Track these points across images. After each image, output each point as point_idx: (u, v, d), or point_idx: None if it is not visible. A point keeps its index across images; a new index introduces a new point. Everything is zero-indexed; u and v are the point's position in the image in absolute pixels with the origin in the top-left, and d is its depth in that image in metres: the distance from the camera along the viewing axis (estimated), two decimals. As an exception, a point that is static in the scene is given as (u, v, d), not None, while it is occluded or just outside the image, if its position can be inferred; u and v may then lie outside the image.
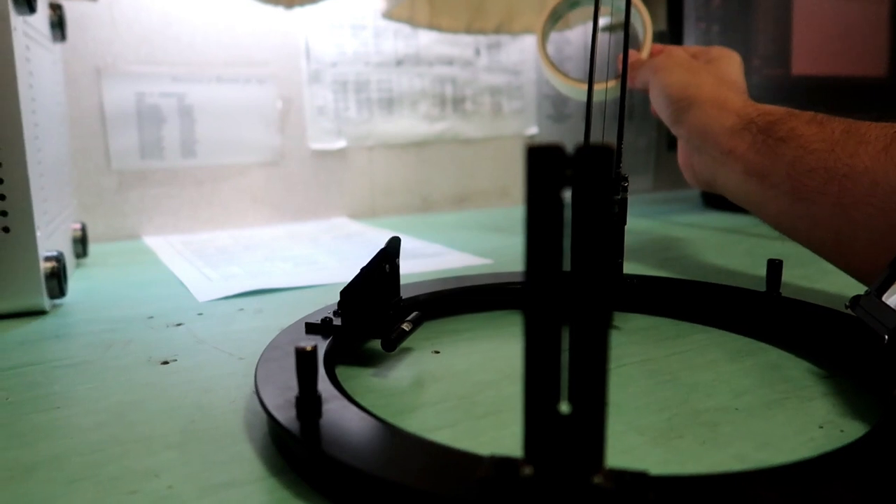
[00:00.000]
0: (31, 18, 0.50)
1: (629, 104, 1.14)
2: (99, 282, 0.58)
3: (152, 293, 0.53)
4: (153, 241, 0.77)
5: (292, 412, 0.26)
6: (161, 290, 0.54)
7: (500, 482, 0.19)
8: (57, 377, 0.36)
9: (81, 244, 0.64)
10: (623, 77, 0.44)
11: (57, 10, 0.60)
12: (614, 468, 0.19)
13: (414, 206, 0.99)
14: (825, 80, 0.94)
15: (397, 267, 0.36)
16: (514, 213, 0.98)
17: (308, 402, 0.25)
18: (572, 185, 0.18)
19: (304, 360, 0.25)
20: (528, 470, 0.19)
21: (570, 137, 1.09)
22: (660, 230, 0.79)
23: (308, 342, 0.26)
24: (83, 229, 0.64)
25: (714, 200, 0.99)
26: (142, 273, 0.61)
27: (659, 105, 0.54)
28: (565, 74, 0.62)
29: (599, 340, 0.18)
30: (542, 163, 0.18)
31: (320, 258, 0.66)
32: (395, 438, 0.24)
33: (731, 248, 0.67)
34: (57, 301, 0.50)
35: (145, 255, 0.70)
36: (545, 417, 0.19)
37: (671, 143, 0.95)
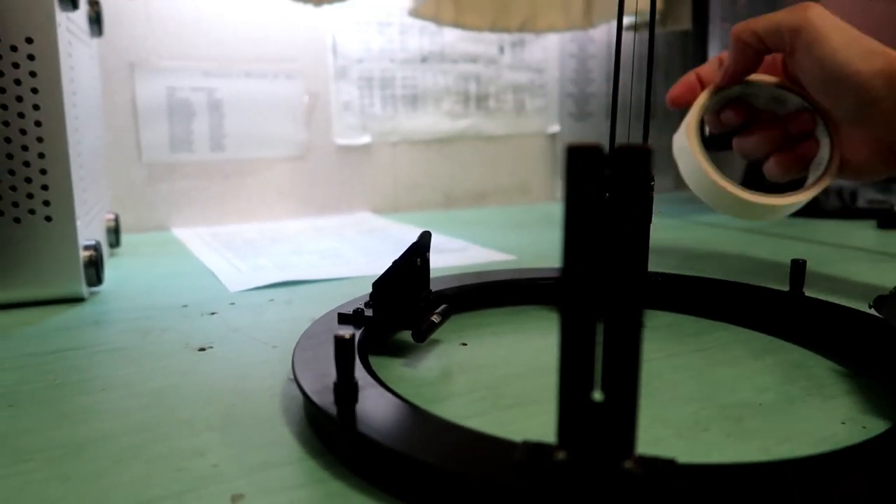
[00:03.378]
0: (73, 14, 0.51)
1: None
2: (132, 271, 0.59)
3: (184, 283, 0.55)
4: (182, 233, 0.79)
5: (330, 397, 0.27)
6: (193, 280, 0.56)
7: (534, 466, 0.20)
8: (99, 361, 0.37)
9: (115, 234, 0.65)
10: (648, 75, 0.45)
11: (95, 6, 0.61)
12: (644, 455, 0.20)
13: (436, 202, 1.00)
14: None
15: (427, 261, 0.37)
16: (535, 210, 0.99)
17: (346, 387, 0.26)
18: (610, 185, 0.18)
19: (343, 348, 0.26)
20: (561, 455, 0.20)
21: (592, 136, 1.09)
22: (682, 230, 0.79)
23: (348, 331, 0.27)
24: (116, 220, 0.66)
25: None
26: (173, 263, 0.63)
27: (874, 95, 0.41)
28: (734, 183, 0.46)
29: (633, 330, 0.19)
30: (581, 162, 0.18)
31: (346, 252, 0.67)
32: (430, 424, 0.25)
33: (754, 249, 0.67)
34: (94, 289, 0.51)
35: (175, 246, 0.71)
36: (579, 405, 0.19)
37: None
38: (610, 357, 0.19)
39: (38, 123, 0.45)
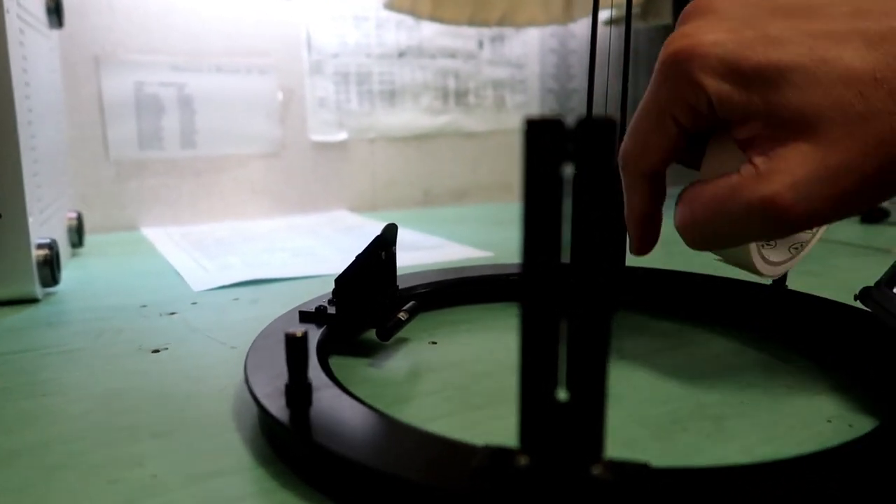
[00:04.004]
0: (26, 2, 0.49)
1: (632, 99, 1.13)
2: (93, 271, 0.57)
3: (147, 283, 0.53)
4: (151, 232, 0.76)
5: (282, 401, 0.25)
6: (156, 279, 0.54)
7: (494, 472, 0.18)
8: (46, 364, 0.35)
9: (77, 233, 0.63)
10: (625, 63, 0.43)
11: (53, -5, 0.59)
12: (614, 459, 0.18)
13: (415, 199, 0.98)
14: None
15: (394, 255, 0.36)
16: (516, 207, 0.97)
17: (298, 389, 0.24)
18: (574, 160, 0.17)
19: (295, 347, 0.24)
20: (523, 460, 0.18)
21: (573, 132, 1.08)
22: (664, 224, 0.78)
23: (301, 329, 0.25)
24: (79, 218, 0.63)
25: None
26: (138, 263, 0.60)
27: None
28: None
29: (600, 323, 0.17)
30: (542, 136, 0.17)
31: (319, 250, 0.65)
32: (388, 428, 0.23)
33: (736, 243, 0.65)
34: (50, 289, 0.49)
35: (142, 246, 0.69)
36: (541, 405, 0.18)
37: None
38: (575, 352, 0.17)
39: (-16, 114, 0.43)
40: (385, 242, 0.34)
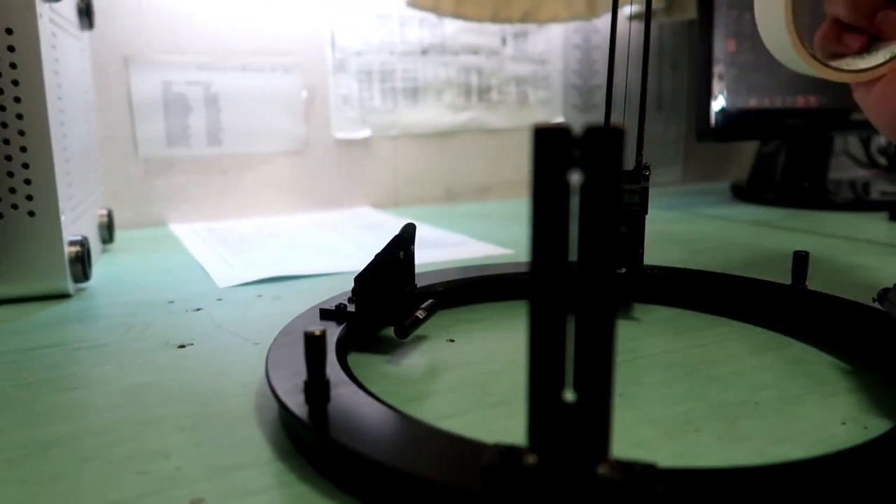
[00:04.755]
0: (58, 6, 0.50)
1: (656, 94, 1.12)
2: (123, 267, 0.59)
3: (174, 279, 0.54)
4: (178, 229, 0.78)
5: (301, 397, 0.25)
6: (183, 275, 0.55)
7: (503, 471, 0.19)
8: (76, 359, 0.36)
9: (108, 230, 0.65)
10: (645, 59, 0.43)
11: (84, -2, 0.60)
12: (621, 459, 0.18)
13: (438, 196, 0.98)
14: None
15: (412, 254, 0.36)
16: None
17: (316, 386, 0.25)
18: (581, 167, 0.17)
19: (313, 345, 0.25)
20: (531, 459, 0.19)
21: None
22: (687, 222, 0.77)
23: (319, 327, 0.26)
24: (109, 215, 0.65)
25: (744, 193, 0.97)
26: (166, 259, 0.62)
27: None
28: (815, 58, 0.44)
29: (605, 326, 0.17)
30: (549, 143, 0.17)
31: (342, 247, 0.66)
32: (401, 425, 0.24)
33: (760, 242, 0.65)
34: (81, 285, 0.50)
35: (170, 242, 0.70)
36: (549, 405, 0.18)
37: (700, 134, 0.93)
38: (582, 354, 0.18)
39: (19, 116, 0.44)
40: (403, 242, 0.34)
